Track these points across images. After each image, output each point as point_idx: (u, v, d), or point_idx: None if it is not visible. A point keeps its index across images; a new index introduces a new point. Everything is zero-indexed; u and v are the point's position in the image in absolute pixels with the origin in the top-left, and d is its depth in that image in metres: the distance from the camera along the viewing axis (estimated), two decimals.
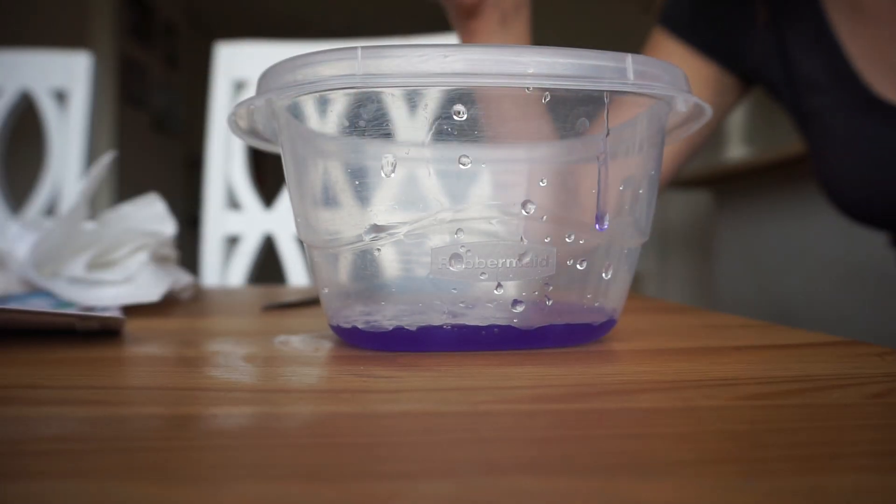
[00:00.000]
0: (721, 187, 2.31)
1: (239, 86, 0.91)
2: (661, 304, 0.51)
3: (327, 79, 0.25)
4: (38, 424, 0.18)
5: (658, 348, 0.30)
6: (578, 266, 0.28)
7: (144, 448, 0.16)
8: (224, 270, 0.87)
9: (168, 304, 0.48)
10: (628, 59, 0.26)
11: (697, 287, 3.19)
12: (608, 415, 0.19)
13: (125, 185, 3.11)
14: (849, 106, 0.56)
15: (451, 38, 0.84)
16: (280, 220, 0.88)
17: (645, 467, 0.15)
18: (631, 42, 0.68)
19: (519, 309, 0.27)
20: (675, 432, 0.18)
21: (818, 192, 0.63)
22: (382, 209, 0.26)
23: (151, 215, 0.51)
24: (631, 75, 0.26)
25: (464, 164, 0.26)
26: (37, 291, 0.46)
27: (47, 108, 0.93)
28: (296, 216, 0.30)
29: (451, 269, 0.26)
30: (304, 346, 0.30)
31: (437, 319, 0.27)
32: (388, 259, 0.27)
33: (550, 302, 0.28)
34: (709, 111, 0.30)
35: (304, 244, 0.30)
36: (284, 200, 0.89)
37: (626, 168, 0.29)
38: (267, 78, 0.28)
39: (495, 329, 0.27)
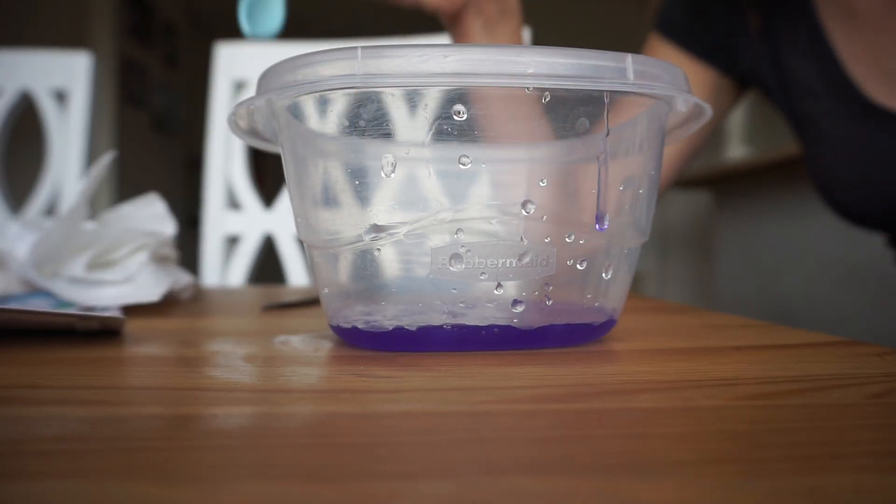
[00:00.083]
0: (721, 187, 2.31)
1: (239, 86, 0.91)
2: (661, 304, 0.51)
3: (327, 79, 0.25)
4: (38, 424, 0.18)
5: (658, 348, 0.30)
6: (578, 266, 0.28)
7: (144, 448, 0.16)
8: (224, 270, 0.87)
9: (168, 304, 0.48)
10: (628, 59, 0.26)
11: (697, 287, 3.19)
12: (608, 415, 0.19)
13: (125, 185, 3.11)
14: (843, 111, 0.56)
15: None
16: (280, 220, 0.88)
17: (645, 467, 0.15)
18: (631, 42, 0.68)
19: (519, 309, 0.27)
20: (675, 432, 0.18)
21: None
22: (382, 209, 0.26)
23: (151, 215, 0.51)
24: (631, 75, 0.26)
25: (464, 164, 0.26)
26: (37, 291, 0.46)
27: (47, 108, 0.93)
28: (296, 216, 0.30)
29: (451, 269, 0.26)
30: (304, 346, 0.30)
31: (437, 319, 0.27)
32: (388, 259, 0.27)
33: (550, 302, 0.28)
34: (709, 111, 0.30)
35: (304, 244, 0.30)
36: (284, 200, 0.89)
37: (626, 168, 0.29)
38: (267, 78, 0.28)
39: (495, 329, 0.27)
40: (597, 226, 0.28)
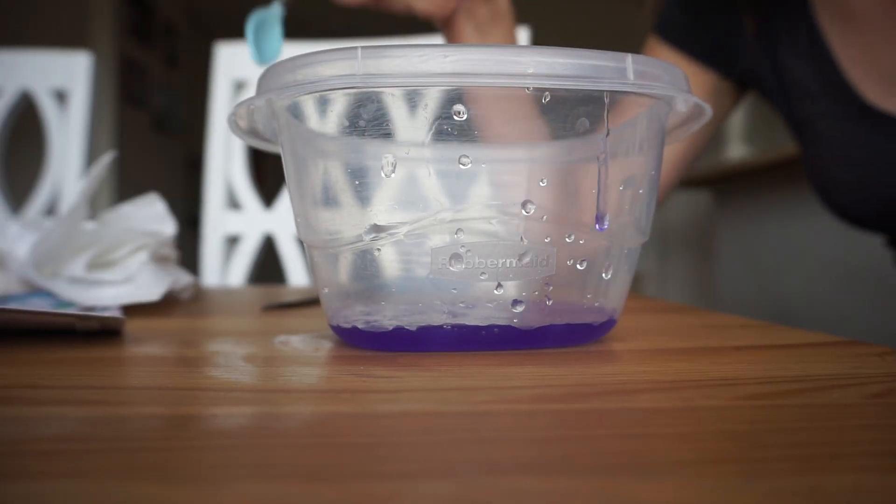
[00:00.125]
0: (721, 187, 2.31)
1: (239, 86, 0.91)
2: (661, 304, 0.51)
3: (327, 79, 0.25)
4: (38, 424, 0.18)
5: (658, 348, 0.30)
6: (578, 266, 0.28)
7: (144, 448, 0.16)
8: (224, 270, 0.87)
9: (168, 304, 0.48)
10: (628, 59, 0.26)
11: (697, 287, 3.19)
12: (608, 415, 0.19)
13: (125, 185, 3.11)
14: (841, 113, 0.56)
15: None
16: (280, 220, 0.88)
17: (645, 467, 0.15)
18: (631, 42, 0.68)
19: (519, 309, 0.27)
20: (675, 432, 0.18)
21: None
22: (382, 209, 0.26)
23: (151, 215, 0.51)
24: (631, 75, 0.26)
25: (464, 164, 0.26)
26: (37, 291, 0.46)
27: (47, 108, 0.93)
28: (296, 216, 0.30)
29: (451, 269, 0.26)
30: (304, 346, 0.30)
31: (437, 319, 0.27)
32: (388, 259, 0.27)
33: (550, 302, 0.28)
34: (709, 111, 0.30)
35: (304, 244, 0.30)
36: (284, 200, 0.89)
37: (627, 168, 0.29)
38: (267, 78, 0.28)
39: (495, 329, 0.27)
40: (597, 226, 0.28)
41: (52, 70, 0.93)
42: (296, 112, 0.28)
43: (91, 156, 0.93)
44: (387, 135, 0.26)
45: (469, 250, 0.26)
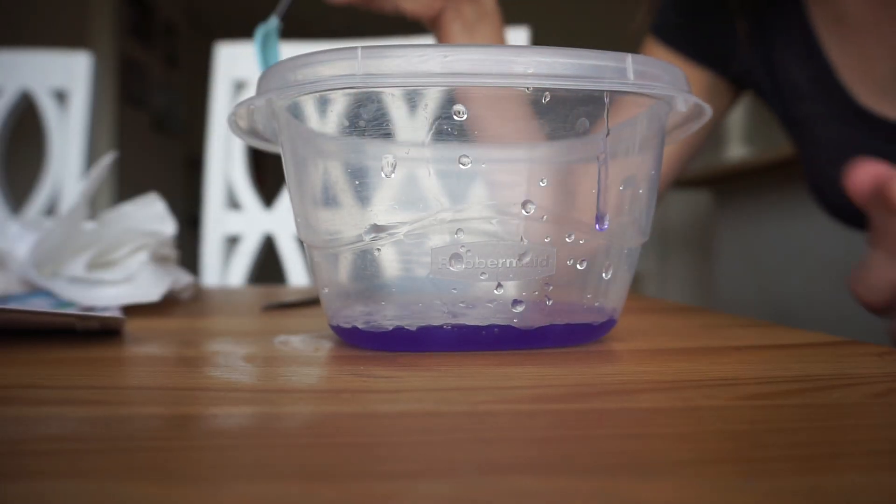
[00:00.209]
0: (721, 187, 2.31)
1: (239, 86, 0.91)
2: (661, 304, 0.51)
3: (327, 79, 0.25)
4: (38, 424, 0.18)
5: (658, 348, 0.30)
6: (578, 266, 0.28)
7: (144, 448, 0.16)
8: (224, 270, 0.87)
9: (168, 304, 0.48)
10: (628, 59, 0.26)
11: (697, 287, 3.19)
12: (608, 415, 0.19)
13: (125, 185, 3.11)
14: (836, 116, 0.56)
15: None
16: (280, 220, 0.88)
17: (645, 467, 0.15)
18: (631, 42, 0.68)
19: (519, 309, 0.27)
20: (675, 432, 0.18)
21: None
22: (382, 209, 0.26)
23: (151, 215, 0.51)
24: (631, 75, 0.26)
25: (464, 164, 0.26)
26: (37, 291, 0.46)
27: (47, 108, 0.93)
28: (296, 216, 0.30)
29: (451, 269, 0.26)
30: (304, 346, 0.30)
31: (437, 319, 0.27)
32: (388, 259, 0.27)
33: (550, 302, 0.28)
34: (709, 111, 0.30)
35: (304, 244, 0.30)
36: (284, 200, 0.89)
37: (626, 168, 0.29)
38: (267, 78, 0.28)
39: (495, 329, 0.27)
40: (597, 226, 0.28)
41: (52, 70, 0.93)
42: (296, 112, 0.28)
43: (91, 156, 0.93)
44: (387, 135, 0.26)
45: (469, 250, 0.26)
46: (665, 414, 0.19)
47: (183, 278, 0.51)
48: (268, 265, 0.95)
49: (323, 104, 0.27)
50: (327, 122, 0.27)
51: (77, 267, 0.45)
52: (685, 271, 3.30)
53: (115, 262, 0.47)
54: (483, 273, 0.26)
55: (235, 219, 0.88)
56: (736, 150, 2.41)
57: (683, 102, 0.28)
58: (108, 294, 0.45)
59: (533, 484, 0.14)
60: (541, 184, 0.27)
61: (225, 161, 0.89)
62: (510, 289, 0.27)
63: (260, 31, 0.45)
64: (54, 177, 0.91)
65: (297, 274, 0.88)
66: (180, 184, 4.15)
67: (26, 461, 0.15)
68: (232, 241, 0.89)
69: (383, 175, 0.26)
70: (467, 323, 0.27)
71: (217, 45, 0.90)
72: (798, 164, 0.66)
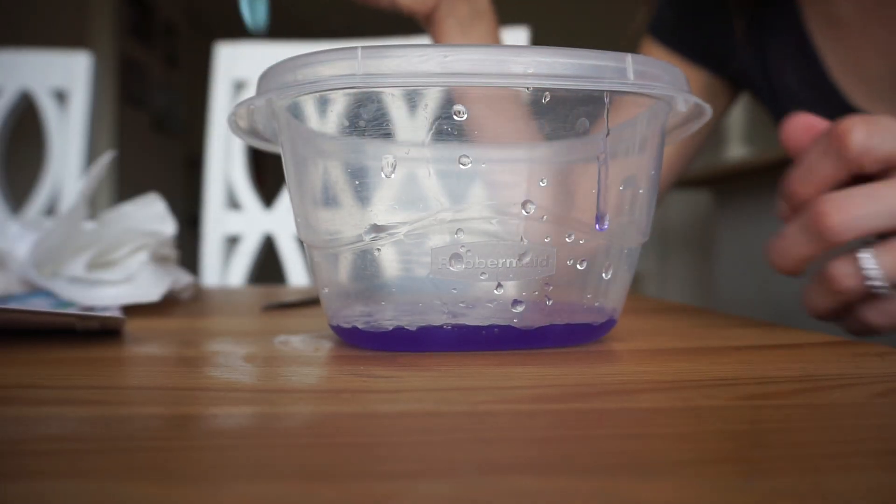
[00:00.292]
0: (721, 187, 2.31)
1: (239, 86, 0.91)
2: (661, 304, 0.51)
3: (327, 79, 0.25)
4: (38, 424, 0.18)
5: (658, 348, 0.30)
6: (578, 266, 0.28)
7: (144, 448, 0.16)
8: (224, 270, 0.87)
9: (168, 304, 0.48)
10: (628, 59, 0.26)
11: (697, 287, 3.19)
12: (608, 415, 0.19)
13: (125, 185, 3.11)
14: (830, 118, 0.57)
15: None
16: (280, 220, 0.88)
17: (645, 467, 0.15)
18: (631, 42, 0.68)
19: (519, 309, 0.27)
20: (675, 432, 0.18)
21: None
22: (382, 209, 0.26)
23: (151, 215, 0.51)
24: (631, 75, 0.26)
25: (464, 164, 0.26)
26: (37, 291, 0.46)
27: (47, 108, 0.93)
28: (296, 216, 0.30)
29: (451, 269, 0.26)
30: (304, 346, 0.30)
31: (437, 319, 0.27)
32: (388, 259, 0.27)
33: (550, 302, 0.28)
34: (709, 111, 0.30)
35: (304, 244, 0.30)
36: (284, 200, 0.89)
37: (627, 168, 0.29)
38: (267, 78, 0.28)
39: (495, 329, 0.27)
40: (597, 226, 0.28)
41: (52, 70, 0.93)
42: (296, 112, 0.28)
43: (91, 156, 0.93)
44: (387, 135, 0.26)
45: (469, 250, 0.26)
46: (665, 414, 0.19)
47: (183, 278, 0.51)
48: (268, 265, 0.95)
49: (323, 104, 0.27)
50: (327, 122, 0.27)
51: (77, 267, 0.45)
52: (685, 271, 3.29)
53: (115, 262, 0.47)
54: (483, 273, 0.26)
55: (235, 219, 0.88)
56: (736, 150, 2.41)
57: (683, 102, 0.28)
58: (108, 294, 0.45)
59: (533, 484, 0.14)
60: (541, 184, 0.27)
61: (225, 161, 0.89)
62: (510, 289, 0.27)
63: None
64: (54, 177, 0.91)
65: (297, 274, 0.88)
66: (180, 184, 4.15)
67: (26, 461, 0.15)
68: (232, 241, 0.89)
69: (383, 175, 0.26)
70: (467, 323, 0.27)
71: (217, 45, 0.90)
72: None
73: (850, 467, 0.15)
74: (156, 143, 3.84)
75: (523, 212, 0.27)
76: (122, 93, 3.30)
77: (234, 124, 0.32)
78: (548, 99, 0.26)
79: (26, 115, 0.96)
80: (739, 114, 2.38)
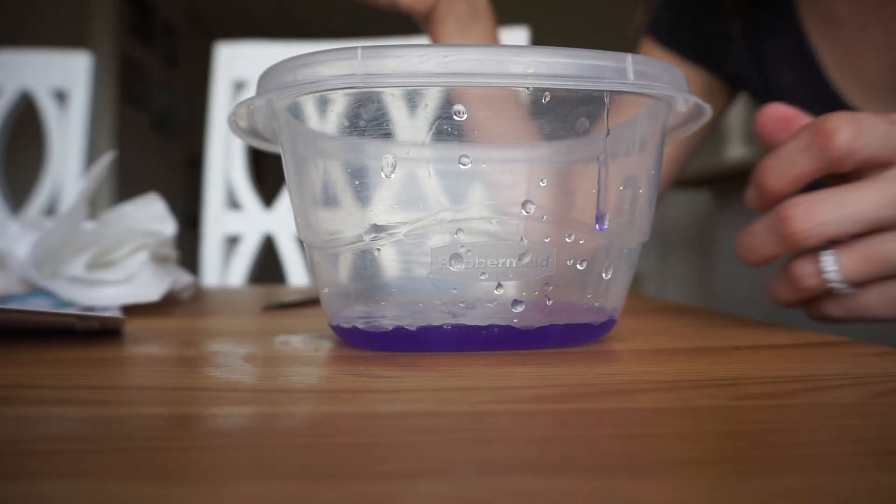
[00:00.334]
0: (721, 187, 2.31)
1: (239, 86, 0.91)
2: (661, 304, 0.51)
3: (327, 79, 0.25)
4: (38, 424, 0.18)
5: (658, 348, 0.30)
6: (578, 266, 0.28)
7: (144, 448, 0.16)
8: (224, 270, 0.87)
9: (168, 304, 0.48)
10: (628, 59, 0.26)
11: (697, 287, 3.19)
12: (608, 415, 0.19)
13: (125, 185, 3.11)
14: None
15: None
16: (280, 220, 0.88)
17: (645, 467, 0.15)
18: (631, 42, 0.69)
19: (519, 309, 0.27)
20: (675, 432, 0.18)
21: None
22: (382, 209, 0.26)
23: (151, 215, 0.51)
24: (631, 75, 0.26)
25: (464, 164, 0.26)
26: (37, 291, 0.46)
27: (47, 108, 0.93)
28: (296, 216, 0.30)
29: (451, 269, 0.26)
30: (304, 346, 0.30)
31: (437, 319, 0.27)
32: (388, 259, 0.27)
33: (550, 302, 0.28)
34: (709, 111, 0.30)
35: (304, 244, 0.30)
36: (284, 200, 0.89)
37: (627, 168, 0.29)
38: (267, 78, 0.28)
39: (495, 329, 0.27)
40: (597, 226, 0.28)
41: (52, 70, 0.93)
42: (296, 112, 0.28)
43: (91, 156, 0.93)
44: (387, 135, 0.26)
45: (469, 250, 0.26)
46: (665, 414, 0.19)
47: (183, 278, 0.51)
48: (268, 265, 0.95)
49: (323, 104, 0.27)
50: (327, 122, 0.27)
51: (77, 267, 0.45)
52: (685, 271, 3.29)
53: (115, 262, 0.47)
54: (483, 273, 0.26)
55: (235, 219, 0.88)
56: (736, 150, 2.41)
57: (683, 102, 0.28)
58: (108, 294, 0.45)
59: (533, 484, 0.14)
60: (541, 184, 0.27)
61: (225, 161, 0.89)
62: (510, 289, 0.27)
63: None
64: (54, 177, 0.91)
65: (297, 274, 0.88)
66: (180, 184, 4.15)
67: (26, 461, 0.15)
68: (232, 241, 0.89)
69: (383, 175, 0.26)
70: (467, 323, 0.27)
71: (217, 45, 0.90)
72: None
73: (850, 467, 0.15)
74: (156, 143, 3.85)
75: (523, 212, 0.27)
76: (122, 93, 3.30)
77: (234, 124, 0.32)
78: (548, 99, 0.26)
79: (26, 115, 0.96)
80: (739, 114, 2.38)
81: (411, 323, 0.27)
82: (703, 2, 0.62)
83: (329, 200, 0.28)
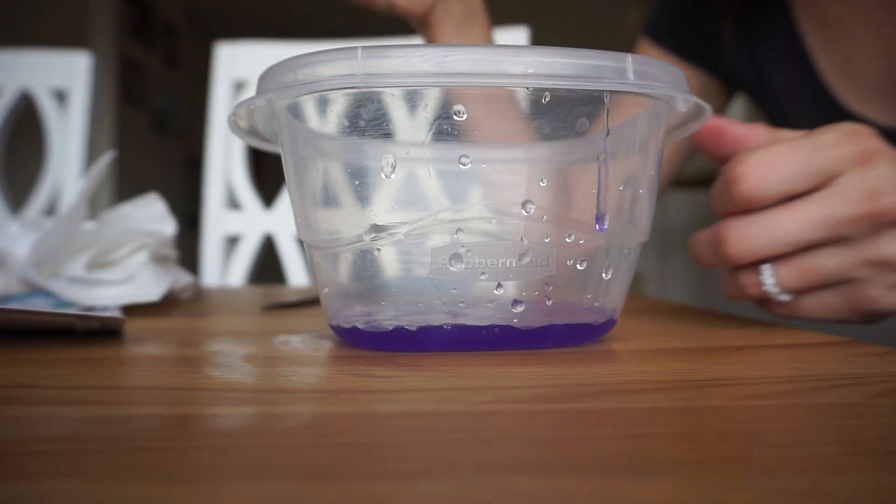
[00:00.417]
0: None
1: (239, 86, 0.91)
2: (661, 304, 0.51)
3: (327, 79, 0.25)
4: (38, 424, 0.18)
5: (658, 348, 0.30)
6: (578, 266, 0.28)
7: (144, 448, 0.16)
8: (224, 270, 0.87)
9: (168, 304, 0.48)
10: (628, 59, 0.26)
11: (697, 287, 3.19)
12: (608, 415, 0.19)
13: (125, 185, 3.11)
14: (822, 119, 0.57)
15: None
16: (280, 220, 0.88)
17: (645, 467, 0.15)
18: (631, 42, 0.69)
19: (519, 309, 0.27)
20: (675, 432, 0.18)
21: None
22: (382, 209, 0.26)
23: (151, 215, 0.51)
24: (631, 75, 0.26)
25: (464, 164, 0.26)
26: (37, 291, 0.46)
27: (47, 108, 0.93)
28: (296, 216, 0.30)
29: (451, 269, 0.26)
30: (304, 346, 0.30)
31: (437, 319, 0.27)
32: (388, 259, 0.27)
33: (550, 302, 0.28)
34: (709, 111, 0.30)
35: (304, 244, 0.30)
36: (284, 200, 0.89)
37: (626, 168, 0.29)
38: (267, 78, 0.28)
39: (495, 329, 0.27)
40: (597, 226, 0.28)
41: (52, 70, 0.93)
42: (296, 112, 0.28)
43: (91, 156, 0.93)
44: (387, 135, 0.26)
45: (469, 250, 0.26)
46: (665, 414, 0.19)
47: (183, 278, 0.51)
48: (268, 265, 0.95)
49: (323, 104, 0.27)
50: (327, 122, 0.27)
51: (77, 267, 0.45)
52: (685, 271, 3.29)
53: (115, 262, 0.47)
54: (483, 273, 0.26)
55: (235, 219, 0.88)
56: None
57: (683, 102, 0.28)
58: (108, 294, 0.45)
59: (533, 484, 0.14)
60: (541, 184, 0.27)
61: (225, 161, 0.89)
62: (510, 289, 0.27)
63: None
64: (54, 177, 0.91)
65: (297, 274, 0.88)
66: (180, 184, 4.15)
67: (26, 461, 0.15)
68: (232, 241, 0.89)
69: (383, 175, 0.26)
70: (467, 323, 0.27)
71: (217, 45, 0.90)
72: None
73: (850, 467, 0.15)
74: (156, 143, 3.85)
75: (523, 212, 0.27)
76: (122, 93, 3.30)
77: (234, 124, 0.32)
78: (548, 99, 0.26)
79: (26, 115, 0.96)
80: (738, 114, 2.38)
81: (411, 323, 0.27)
82: (700, 3, 0.62)
83: (329, 200, 0.28)
